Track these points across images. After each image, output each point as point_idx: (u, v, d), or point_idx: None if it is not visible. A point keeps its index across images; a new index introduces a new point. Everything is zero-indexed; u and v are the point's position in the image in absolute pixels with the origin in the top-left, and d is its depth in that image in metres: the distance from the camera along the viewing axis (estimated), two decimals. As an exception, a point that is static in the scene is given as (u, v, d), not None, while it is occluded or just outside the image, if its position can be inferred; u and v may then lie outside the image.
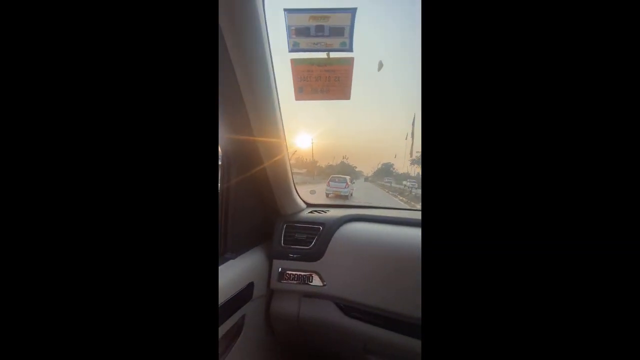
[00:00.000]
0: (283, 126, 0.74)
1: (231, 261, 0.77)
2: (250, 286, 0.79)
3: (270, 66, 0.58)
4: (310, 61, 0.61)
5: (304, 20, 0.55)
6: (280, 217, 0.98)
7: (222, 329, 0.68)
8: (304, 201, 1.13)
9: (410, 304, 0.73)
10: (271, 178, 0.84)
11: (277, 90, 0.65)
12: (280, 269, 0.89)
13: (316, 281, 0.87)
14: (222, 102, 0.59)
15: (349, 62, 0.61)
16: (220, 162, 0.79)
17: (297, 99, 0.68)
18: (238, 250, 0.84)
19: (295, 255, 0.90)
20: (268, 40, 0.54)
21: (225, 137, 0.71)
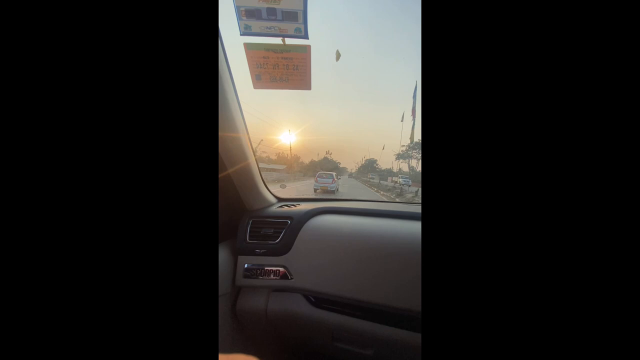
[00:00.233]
0: (244, 119, 0.72)
1: None
2: None
3: (222, 55, 0.56)
4: (266, 47, 0.60)
5: (253, 1, 0.53)
6: (246, 212, 0.97)
7: None
8: (275, 196, 1.12)
9: (378, 292, 0.75)
10: (233, 174, 0.82)
11: (232, 78, 0.63)
12: (245, 265, 0.88)
13: (283, 275, 0.86)
14: None
15: (306, 50, 0.61)
16: None
17: (255, 87, 0.67)
18: None
19: (261, 251, 0.89)
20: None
21: None
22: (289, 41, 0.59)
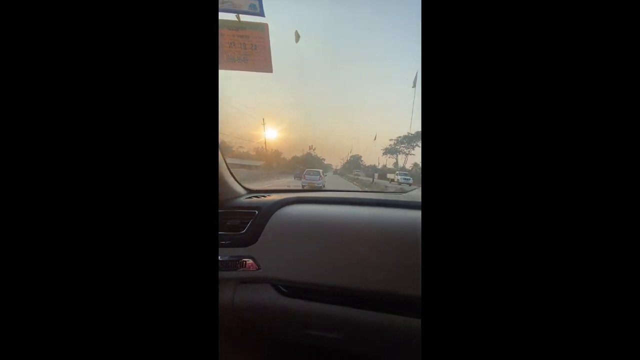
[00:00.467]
0: None
1: None
2: None
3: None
4: (219, 23, 0.58)
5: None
6: None
7: None
8: (244, 187, 1.10)
9: (346, 276, 0.76)
10: None
11: None
12: None
13: (251, 266, 0.85)
14: None
15: (263, 28, 0.59)
16: None
17: (211, 67, 0.64)
18: None
19: (227, 242, 0.87)
20: None
21: None
22: (244, 18, 0.57)
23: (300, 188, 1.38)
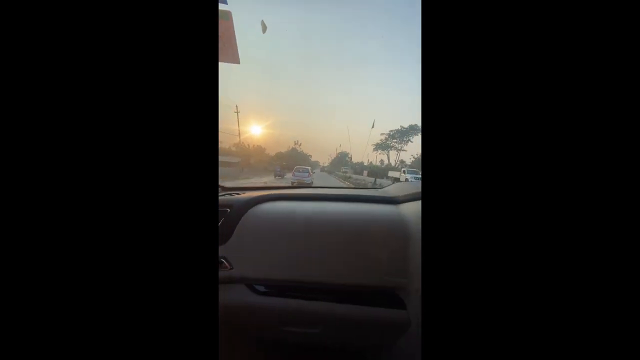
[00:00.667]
0: None
1: None
2: None
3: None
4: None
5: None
6: None
7: None
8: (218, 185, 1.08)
9: (321, 272, 0.77)
10: None
11: None
12: None
13: (222, 265, 0.84)
14: None
15: (227, 16, 0.58)
16: None
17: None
18: None
19: None
20: None
21: None
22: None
23: (276, 185, 1.37)
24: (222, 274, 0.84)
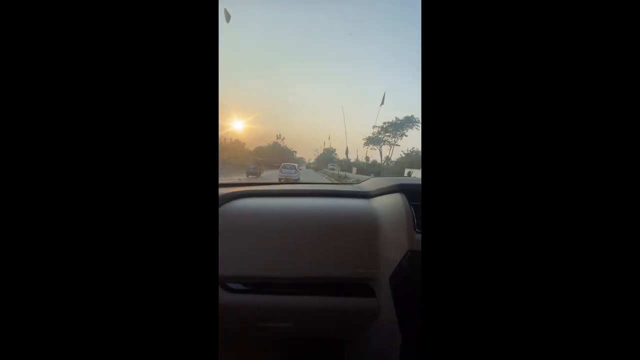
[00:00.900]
0: None
1: None
2: None
3: None
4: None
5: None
6: None
7: None
8: None
9: (295, 266, 0.79)
10: None
11: None
12: None
13: None
14: None
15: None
16: None
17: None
18: None
19: None
20: None
21: None
22: None
23: (252, 182, 1.37)
24: None
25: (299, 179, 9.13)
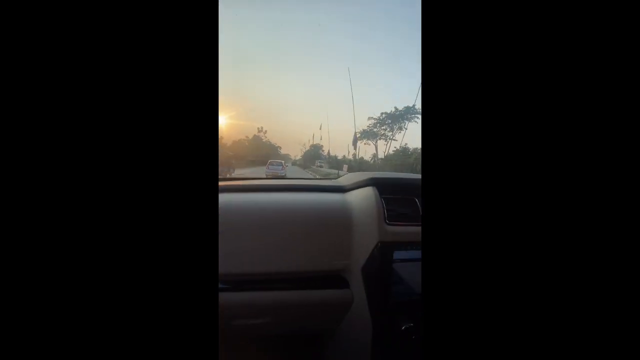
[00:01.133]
0: None
1: None
2: None
3: None
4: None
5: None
6: None
7: None
8: None
9: (271, 261, 0.80)
10: None
11: None
12: None
13: None
14: None
15: None
16: None
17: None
18: None
19: None
20: None
21: None
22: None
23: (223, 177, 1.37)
24: None
25: (285, 175, 9.19)
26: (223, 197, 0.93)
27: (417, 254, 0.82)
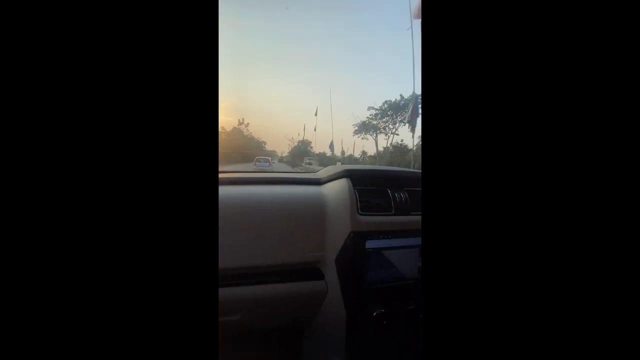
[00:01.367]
0: None
1: None
2: None
3: None
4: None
5: None
6: None
7: None
8: None
9: (245, 255, 0.80)
10: None
11: None
12: None
13: None
14: None
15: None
16: None
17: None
18: None
19: None
20: None
21: None
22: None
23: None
24: None
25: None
26: None
27: (388, 242, 0.85)
